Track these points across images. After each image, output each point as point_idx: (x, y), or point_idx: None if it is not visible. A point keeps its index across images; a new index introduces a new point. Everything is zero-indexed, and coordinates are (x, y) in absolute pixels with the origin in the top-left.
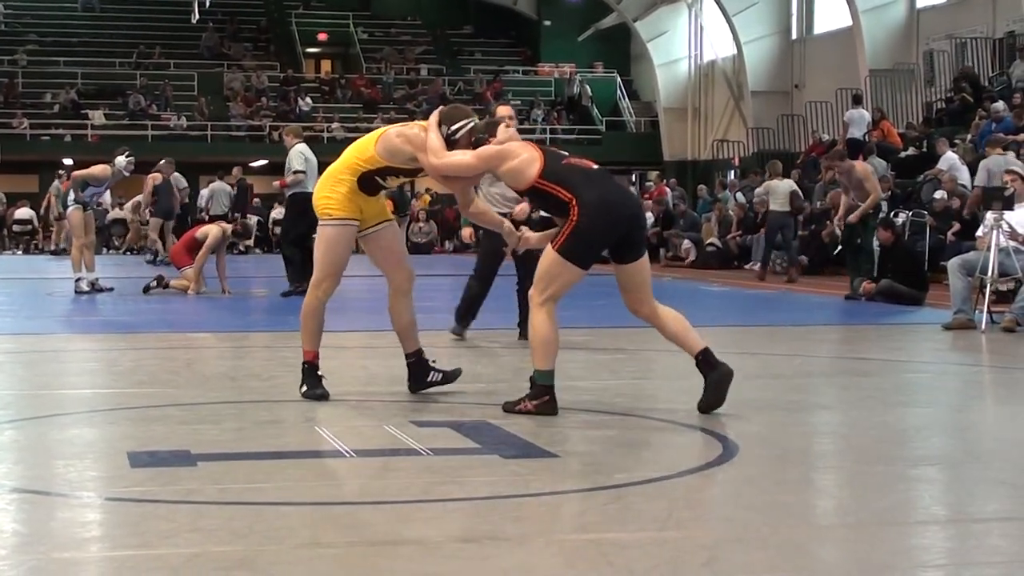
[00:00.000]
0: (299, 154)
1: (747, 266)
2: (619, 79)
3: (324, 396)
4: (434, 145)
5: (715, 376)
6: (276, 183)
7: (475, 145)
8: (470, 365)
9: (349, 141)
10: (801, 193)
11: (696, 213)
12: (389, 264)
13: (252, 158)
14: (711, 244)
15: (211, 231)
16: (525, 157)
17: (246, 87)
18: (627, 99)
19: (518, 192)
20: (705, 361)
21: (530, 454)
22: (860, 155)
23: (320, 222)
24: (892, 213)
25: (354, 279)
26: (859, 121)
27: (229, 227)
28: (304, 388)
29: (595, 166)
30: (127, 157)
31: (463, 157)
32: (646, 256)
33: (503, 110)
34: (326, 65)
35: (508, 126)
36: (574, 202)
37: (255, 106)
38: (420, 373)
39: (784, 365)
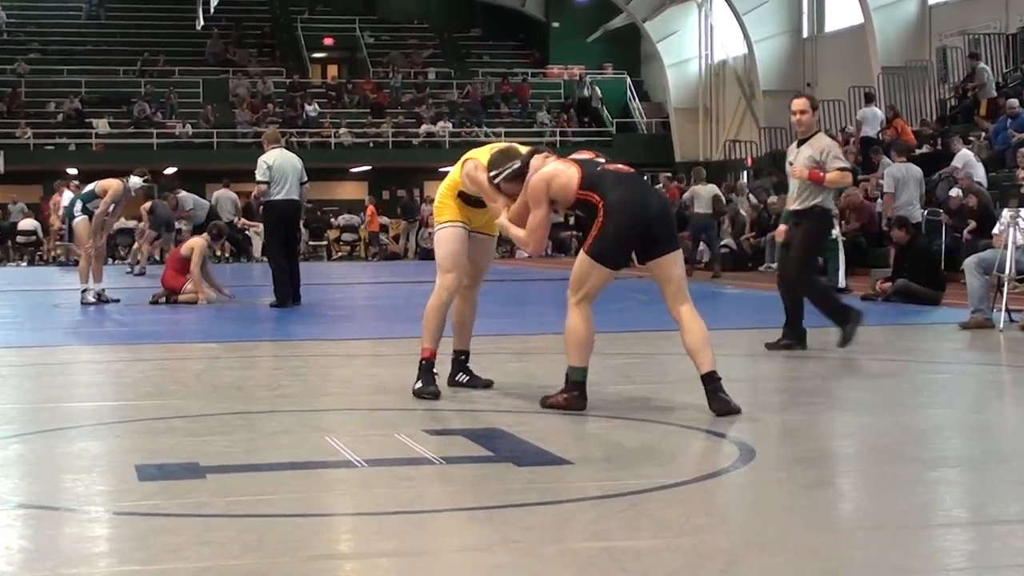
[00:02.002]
0: (261, 164)
1: (761, 268)
2: (629, 80)
3: (435, 395)
4: (523, 229)
5: (716, 408)
6: (254, 193)
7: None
8: (479, 372)
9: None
10: (723, 198)
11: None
12: (471, 263)
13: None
14: (725, 246)
15: (195, 244)
16: (566, 175)
17: (252, 93)
18: (637, 100)
19: (567, 208)
20: (708, 387)
21: (544, 461)
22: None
23: (435, 229)
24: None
25: (360, 286)
26: (872, 119)
27: (207, 237)
28: (418, 384)
29: (630, 169)
30: (143, 180)
31: (535, 220)
32: (679, 253)
33: (798, 103)
34: (332, 70)
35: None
36: (600, 205)
37: (261, 112)
38: (456, 370)
39: (801, 367)
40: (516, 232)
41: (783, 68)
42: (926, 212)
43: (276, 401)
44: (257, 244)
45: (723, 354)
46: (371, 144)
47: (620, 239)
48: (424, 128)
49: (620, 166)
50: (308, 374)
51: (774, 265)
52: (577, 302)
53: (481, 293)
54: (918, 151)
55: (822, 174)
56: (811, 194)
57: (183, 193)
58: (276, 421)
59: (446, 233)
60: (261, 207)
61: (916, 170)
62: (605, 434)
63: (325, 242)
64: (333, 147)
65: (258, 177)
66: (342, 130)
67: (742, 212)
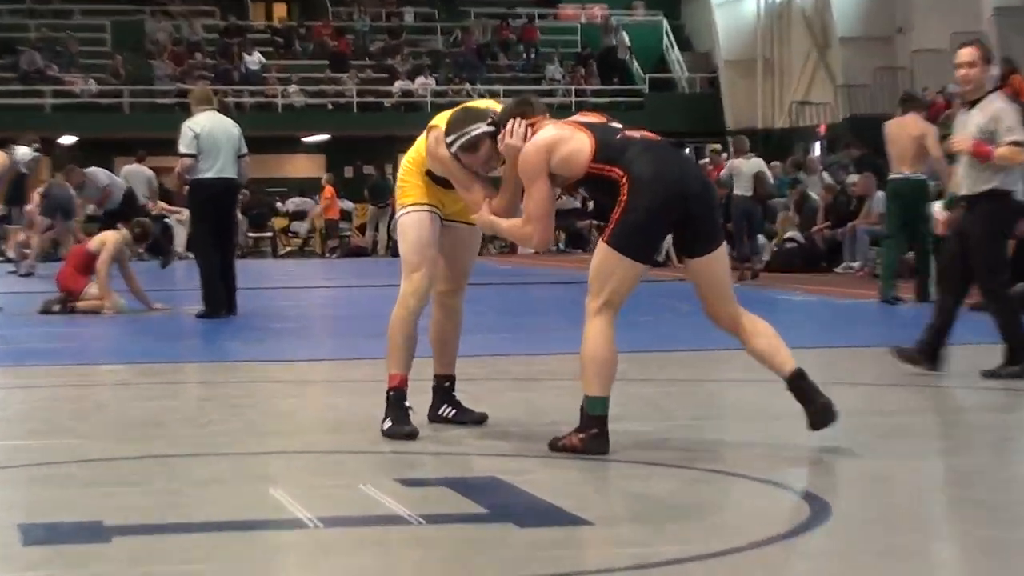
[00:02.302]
0: (187, 131)
1: (838, 268)
2: (666, 24)
3: (411, 435)
4: (517, 220)
5: (813, 413)
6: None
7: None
8: (470, 404)
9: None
10: (769, 173)
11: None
12: (448, 264)
13: None
14: (790, 239)
15: (108, 239)
16: (573, 142)
17: (175, 40)
18: (677, 50)
19: (574, 184)
20: (797, 387)
21: (554, 521)
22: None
23: (396, 216)
24: None
25: (315, 291)
26: None
27: (126, 232)
28: (387, 423)
29: (658, 137)
30: (34, 151)
31: (535, 201)
32: (723, 248)
33: (965, 53)
34: (280, 9)
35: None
36: (624, 179)
37: (187, 64)
38: (440, 401)
39: (889, 398)
40: (509, 226)
41: (866, 9)
42: None
43: (205, 441)
44: (180, 236)
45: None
46: (330, 106)
47: (651, 224)
48: (399, 85)
49: (645, 133)
50: (247, 406)
51: (856, 264)
52: (598, 309)
53: (469, 300)
54: None
55: (990, 148)
56: (985, 173)
57: (93, 168)
58: (205, 467)
59: (410, 219)
60: (186, 187)
61: None
62: (633, 485)
63: (269, 233)
64: (280, 109)
65: (182, 149)
66: (292, 87)
67: (812, 196)
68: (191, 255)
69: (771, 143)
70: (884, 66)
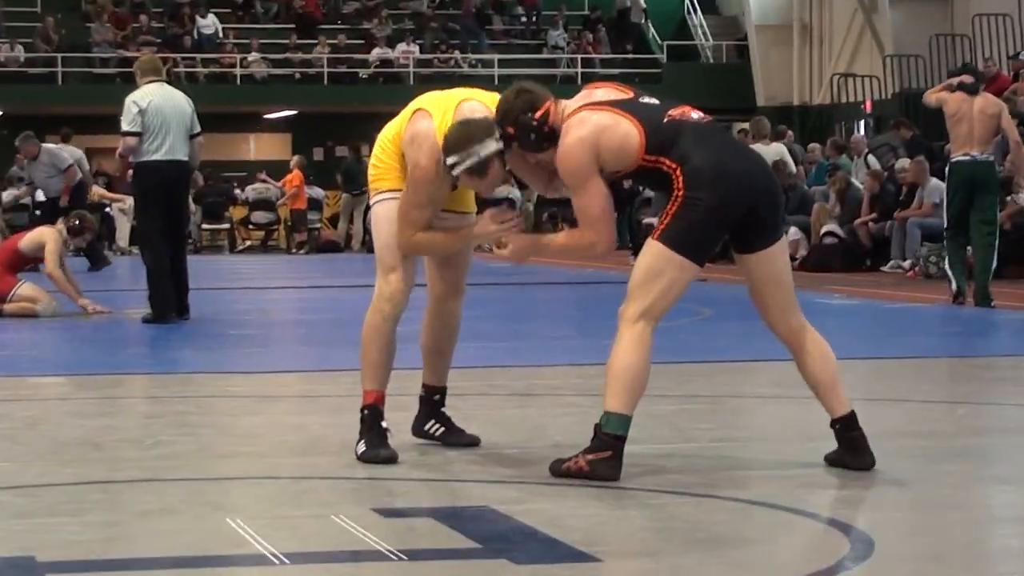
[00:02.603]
0: (132, 106)
1: (885, 267)
2: None
3: (391, 459)
4: (572, 232)
5: (853, 467)
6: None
7: (522, 129)
8: (460, 423)
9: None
10: (791, 162)
11: (807, 186)
12: (440, 266)
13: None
14: (830, 234)
15: (46, 238)
16: (620, 128)
17: (117, 0)
18: (699, 13)
19: (624, 174)
20: (847, 437)
21: (555, 556)
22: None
23: (371, 204)
24: None
25: (280, 293)
26: None
27: (62, 227)
28: (361, 446)
29: (705, 117)
30: None
31: (590, 200)
32: (783, 243)
33: None
34: None
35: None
36: (678, 171)
37: (130, 28)
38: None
39: (941, 417)
40: (565, 240)
41: None
42: None
43: (153, 465)
44: (123, 227)
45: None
46: (297, 77)
47: (712, 222)
48: (376, 54)
49: (687, 110)
50: (201, 424)
51: (906, 263)
52: (637, 317)
53: (471, 303)
54: None
55: None
56: None
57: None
58: (153, 494)
59: (385, 208)
60: (130, 171)
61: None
62: (645, 516)
63: (226, 225)
64: (239, 81)
65: (125, 126)
66: (252, 56)
67: (856, 183)
68: (135, 250)
69: (808, 123)
70: (941, 33)
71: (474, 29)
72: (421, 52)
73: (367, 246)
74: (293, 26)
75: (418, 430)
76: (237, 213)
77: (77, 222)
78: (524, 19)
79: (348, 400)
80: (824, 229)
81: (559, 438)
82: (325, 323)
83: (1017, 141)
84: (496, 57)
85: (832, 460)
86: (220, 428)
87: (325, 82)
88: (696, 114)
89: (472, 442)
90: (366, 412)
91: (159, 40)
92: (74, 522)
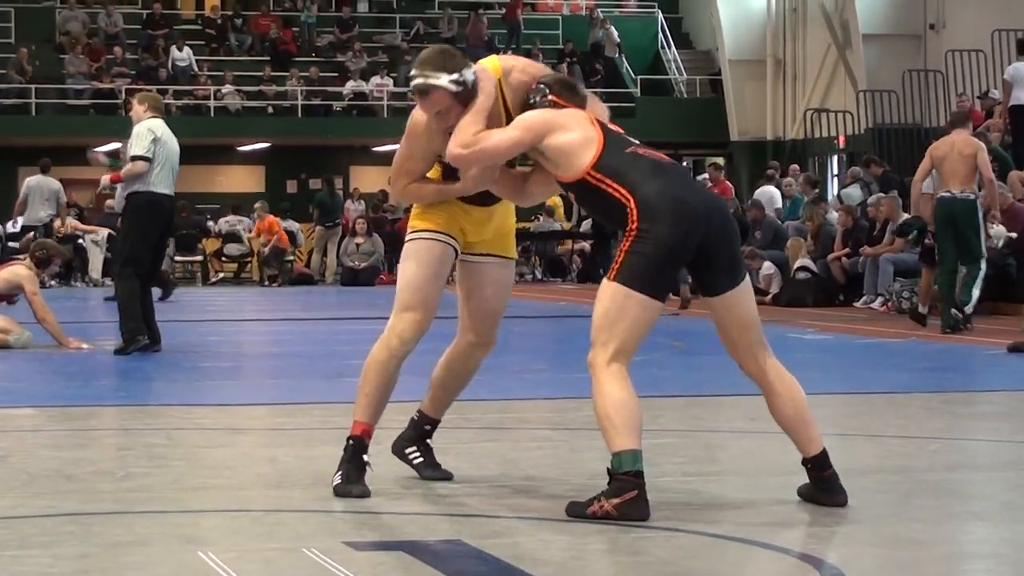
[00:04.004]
0: (147, 133)
1: (858, 303)
2: (662, 18)
3: (362, 495)
4: (462, 126)
5: (829, 499)
6: (105, 178)
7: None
8: (437, 455)
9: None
10: (739, 205)
11: (781, 221)
12: (476, 310)
13: (99, 140)
14: (803, 268)
15: (22, 279)
16: (579, 136)
17: (91, 31)
18: (673, 48)
19: (562, 184)
20: (817, 477)
21: None
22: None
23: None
24: None
25: (252, 326)
26: None
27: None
28: (337, 479)
29: (668, 159)
30: None
31: (505, 135)
32: (746, 283)
33: None
34: None
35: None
36: (632, 203)
37: (104, 60)
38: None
39: (914, 453)
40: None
41: (894, 3)
42: None
43: (124, 497)
44: (95, 259)
45: None
46: (270, 109)
47: (666, 258)
48: (351, 86)
49: (652, 151)
50: (173, 457)
51: (876, 302)
52: (608, 360)
53: (432, 337)
54: None
55: None
56: None
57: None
58: (124, 527)
59: (413, 248)
60: (108, 201)
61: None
62: (618, 551)
63: (199, 257)
64: (213, 113)
65: (139, 151)
66: (226, 88)
67: (830, 218)
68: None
69: (782, 157)
70: (914, 68)
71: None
72: (395, 85)
73: (341, 279)
74: (267, 59)
75: (398, 451)
76: (210, 245)
77: (42, 252)
78: (506, 51)
79: (320, 433)
80: (797, 264)
81: (531, 472)
82: (297, 356)
83: (990, 179)
84: None
85: (804, 496)
86: (192, 460)
87: (299, 114)
88: (659, 154)
89: (445, 477)
90: (351, 442)
91: (133, 72)
92: (45, 554)
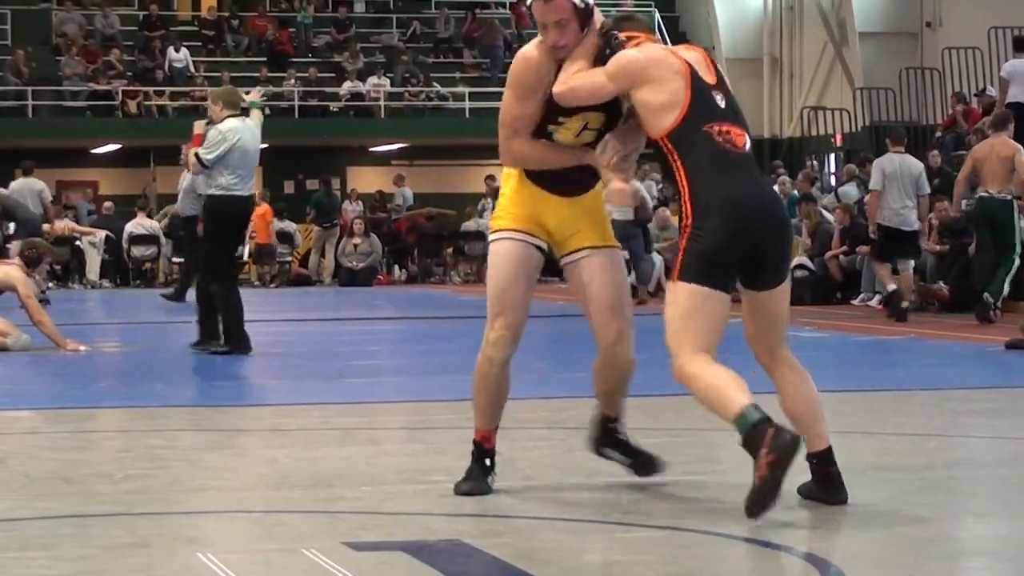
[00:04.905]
0: (221, 138)
1: (856, 300)
2: (658, 16)
3: (482, 492)
4: (567, 65)
5: (830, 496)
6: (187, 149)
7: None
8: (432, 456)
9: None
10: (648, 198)
11: None
12: (591, 310)
13: (97, 141)
14: (800, 267)
15: (15, 281)
16: (665, 97)
17: (87, 32)
18: (670, 46)
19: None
20: (820, 472)
21: None
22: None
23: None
24: None
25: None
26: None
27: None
28: (464, 482)
29: (744, 144)
30: None
31: (592, 79)
32: (786, 285)
33: None
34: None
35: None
36: (686, 194)
37: (101, 62)
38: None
39: (914, 451)
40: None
41: (891, 1)
42: None
43: (124, 499)
44: (93, 261)
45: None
46: (267, 111)
47: (718, 253)
48: (347, 87)
49: (736, 132)
50: (172, 459)
51: (873, 300)
52: (690, 358)
53: (430, 337)
54: None
55: None
56: None
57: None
58: (124, 528)
59: (494, 250)
60: (205, 204)
61: (915, 165)
62: (617, 549)
63: None
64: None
65: (206, 155)
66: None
67: (826, 216)
68: (105, 283)
69: (779, 155)
70: (911, 66)
71: (497, 56)
72: (392, 85)
73: (339, 279)
74: (264, 59)
75: (597, 452)
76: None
77: (32, 251)
78: (491, 48)
79: (319, 433)
80: (795, 262)
81: (529, 471)
82: (296, 357)
83: (1023, 181)
84: (467, 91)
85: (805, 493)
86: (190, 462)
87: (296, 115)
88: (741, 136)
89: (652, 466)
90: (473, 447)
91: (130, 73)
92: (45, 556)
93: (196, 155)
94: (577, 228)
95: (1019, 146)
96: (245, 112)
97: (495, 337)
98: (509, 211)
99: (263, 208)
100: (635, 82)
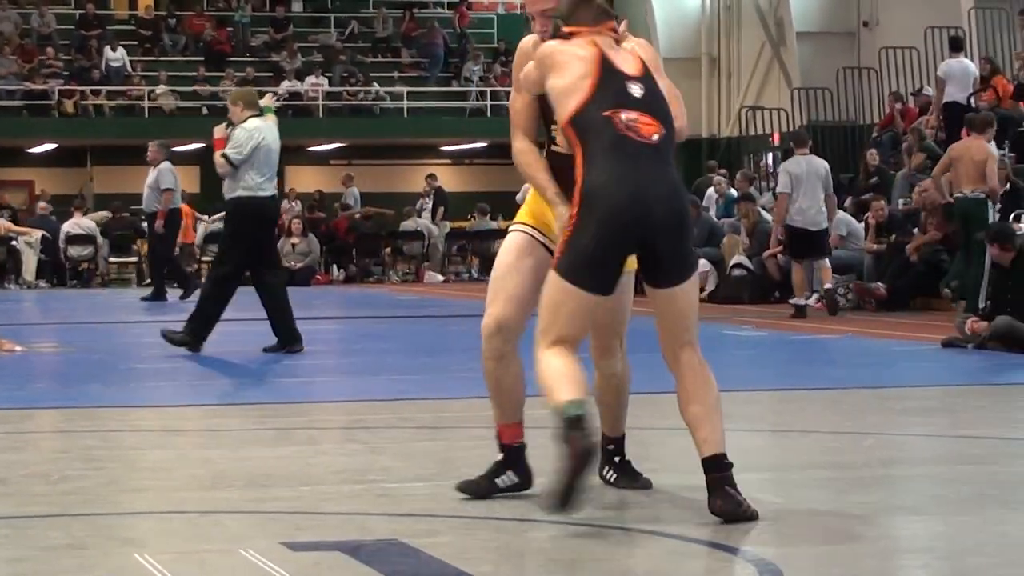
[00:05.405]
0: (247, 138)
1: (793, 299)
2: None
3: (474, 493)
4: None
5: (719, 504)
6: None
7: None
8: (369, 456)
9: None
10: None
11: (716, 218)
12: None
13: (33, 140)
14: (738, 266)
15: None
16: (568, 81)
17: (23, 31)
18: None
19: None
20: (710, 477)
21: None
22: (965, 129)
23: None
24: (1013, 218)
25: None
26: (960, 76)
27: None
28: (469, 480)
29: (654, 136)
30: None
31: (513, 95)
32: (690, 283)
33: None
34: None
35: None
36: (578, 183)
37: (37, 61)
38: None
39: (851, 448)
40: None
41: (828, 1)
42: None
43: (60, 500)
44: (29, 261)
45: (733, 428)
46: (204, 111)
47: (600, 251)
48: (286, 86)
49: (641, 120)
50: (108, 459)
51: (811, 299)
52: (548, 345)
53: (367, 336)
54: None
55: None
56: None
57: None
58: (60, 529)
59: (504, 242)
60: (231, 206)
61: (820, 166)
62: (554, 548)
63: (135, 259)
64: (147, 113)
65: (233, 153)
66: (160, 88)
67: (764, 215)
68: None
69: (717, 154)
70: (848, 66)
71: (437, 57)
72: (330, 84)
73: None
74: (202, 59)
75: (601, 476)
76: (143, 245)
77: None
78: (430, 47)
79: (252, 434)
80: (733, 261)
81: (467, 471)
82: (231, 356)
83: (993, 188)
84: (405, 90)
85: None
86: (127, 462)
87: None
88: (645, 125)
89: (644, 486)
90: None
91: (67, 72)
92: None
93: (224, 156)
94: None
95: (993, 152)
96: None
97: (482, 326)
98: (530, 207)
99: (186, 208)
100: (545, 70)
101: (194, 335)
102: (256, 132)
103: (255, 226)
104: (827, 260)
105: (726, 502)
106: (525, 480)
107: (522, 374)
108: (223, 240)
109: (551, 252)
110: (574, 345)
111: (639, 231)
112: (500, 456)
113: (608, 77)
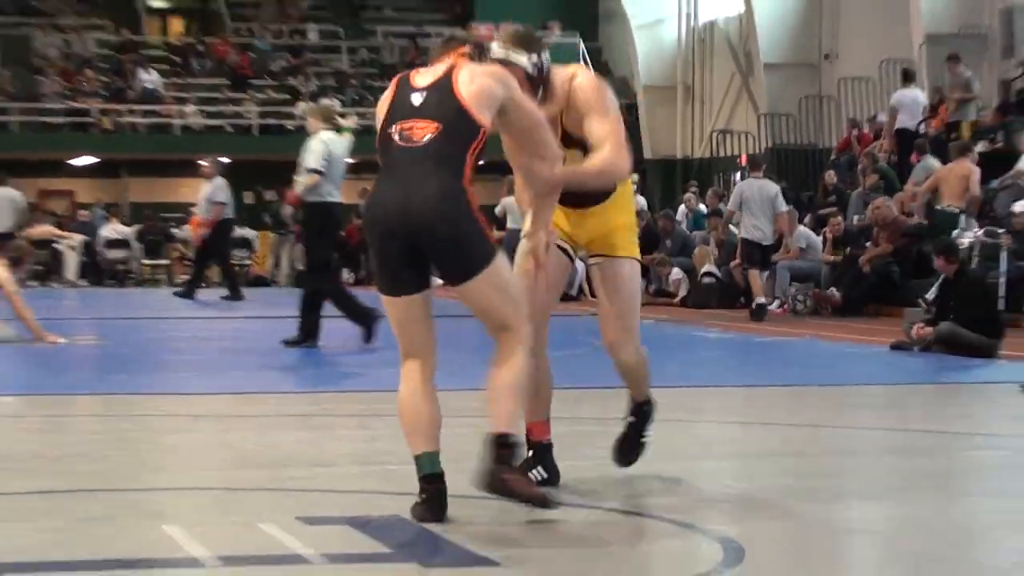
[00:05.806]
0: (320, 146)
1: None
2: (583, 46)
3: (550, 482)
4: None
5: (485, 481)
6: (290, 196)
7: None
8: (379, 441)
9: (210, 131)
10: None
11: (688, 231)
12: (599, 313)
13: (74, 153)
14: (708, 274)
15: (1, 277)
16: (382, 107)
17: (65, 54)
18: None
19: None
20: (487, 453)
21: (460, 561)
22: (915, 153)
23: None
24: (955, 234)
25: (208, 323)
26: (911, 105)
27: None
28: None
29: (423, 138)
30: None
31: (617, 129)
32: (478, 283)
33: None
34: (177, 25)
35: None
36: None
37: (78, 82)
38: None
39: (807, 439)
40: (600, 166)
41: (792, 34)
42: (981, 232)
43: (95, 477)
44: (71, 263)
45: (704, 420)
46: (229, 128)
47: (381, 260)
48: (303, 107)
49: (415, 126)
50: (140, 440)
51: (774, 305)
52: (402, 362)
53: (392, 333)
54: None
55: None
56: None
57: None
58: (95, 503)
59: (519, 247)
60: (302, 210)
61: (770, 188)
62: (542, 526)
63: (166, 261)
64: (178, 131)
65: (313, 164)
66: (189, 108)
67: (732, 229)
68: (81, 283)
69: (690, 174)
70: (810, 94)
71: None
72: (343, 106)
73: (294, 281)
74: (226, 82)
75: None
76: (174, 250)
77: (15, 253)
78: None
79: (273, 420)
80: (703, 270)
81: (467, 457)
82: (252, 350)
83: (972, 198)
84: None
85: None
86: (157, 444)
87: (254, 132)
88: (417, 130)
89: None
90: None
91: (105, 93)
92: (22, 528)
93: (308, 170)
94: (591, 235)
95: (976, 168)
96: (336, 131)
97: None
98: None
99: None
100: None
101: (365, 322)
102: (328, 143)
103: (323, 229)
104: (764, 274)
105: (495, 481)
106: (553, 477)
107: (549, 372)
108: (306, 240)
109: (564, 252)
110: (423, 359)
111: (403, 236)
112: (529, 452)
113: (398, 96)
